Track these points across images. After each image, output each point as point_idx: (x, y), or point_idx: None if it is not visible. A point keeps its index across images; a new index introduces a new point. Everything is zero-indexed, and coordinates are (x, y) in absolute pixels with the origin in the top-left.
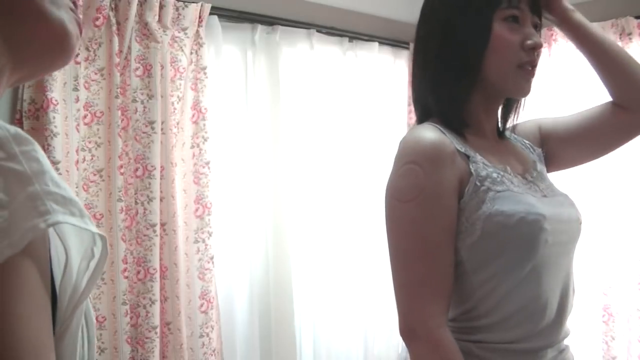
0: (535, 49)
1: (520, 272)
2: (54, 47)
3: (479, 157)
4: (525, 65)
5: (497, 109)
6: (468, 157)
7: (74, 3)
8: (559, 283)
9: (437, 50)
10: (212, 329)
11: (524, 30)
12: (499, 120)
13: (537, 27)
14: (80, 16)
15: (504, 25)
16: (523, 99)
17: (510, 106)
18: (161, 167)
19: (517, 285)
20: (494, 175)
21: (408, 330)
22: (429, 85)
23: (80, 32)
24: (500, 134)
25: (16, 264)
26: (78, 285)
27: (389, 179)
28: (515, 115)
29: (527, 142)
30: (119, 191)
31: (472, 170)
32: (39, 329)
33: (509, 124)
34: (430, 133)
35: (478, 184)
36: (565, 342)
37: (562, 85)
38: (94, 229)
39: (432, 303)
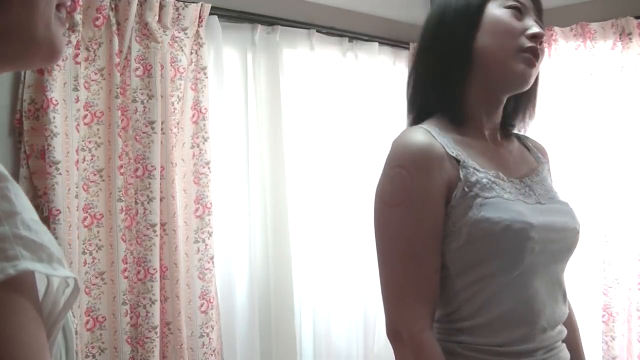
0: (538, 37)
1: (506, 278)
2: (42, 62)
3: (470, 162)
4: (526, 52)
5: (499, 107)
6: (458, 161)
7: (62, 4)
8: (549, 290)
9: (431, 40)
10: (212, 329)
11: (527, 21)
12: (508, 116)
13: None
14: (63, 16)
15: (506, 11)
16: (534, 98)
17: (519, 104)
18: (161, 167)
19: (502, 290)
20: (484, 181)
21: (393, 333)
22: (427, 79)
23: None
24: (505, 133)
25: (6, 295)
26: (57, 304)
27: (379, 181)
28: (528, 114)
29: (536, 151)
30: (119, 191)
31: (462, 176)
32: (37, 335)
33: (520, 125)
34: (420, 137)
35: (466, 189)
36: (558, 343)
37: (561, 85)
38: (63, 273)
39: (416, 306)
